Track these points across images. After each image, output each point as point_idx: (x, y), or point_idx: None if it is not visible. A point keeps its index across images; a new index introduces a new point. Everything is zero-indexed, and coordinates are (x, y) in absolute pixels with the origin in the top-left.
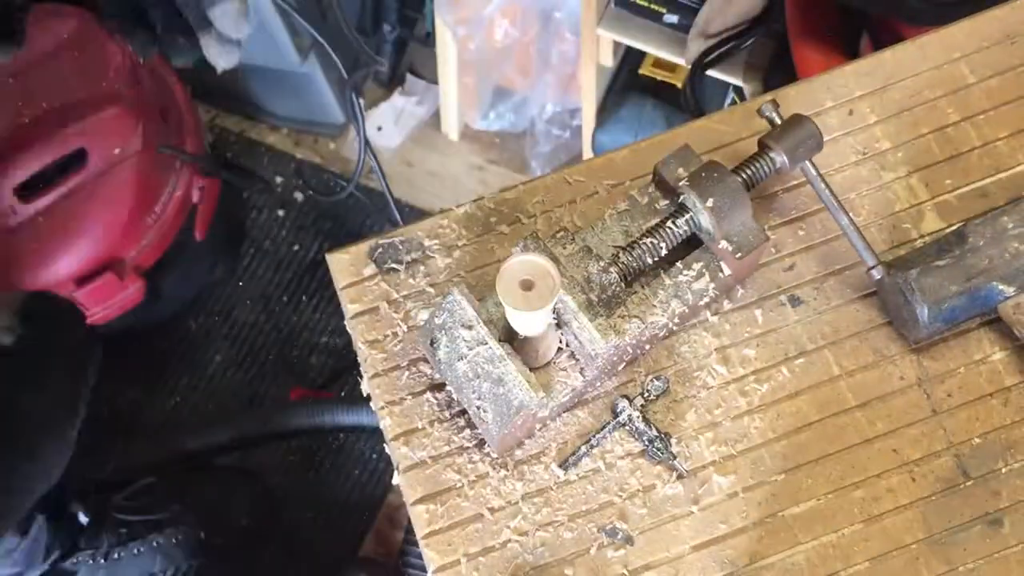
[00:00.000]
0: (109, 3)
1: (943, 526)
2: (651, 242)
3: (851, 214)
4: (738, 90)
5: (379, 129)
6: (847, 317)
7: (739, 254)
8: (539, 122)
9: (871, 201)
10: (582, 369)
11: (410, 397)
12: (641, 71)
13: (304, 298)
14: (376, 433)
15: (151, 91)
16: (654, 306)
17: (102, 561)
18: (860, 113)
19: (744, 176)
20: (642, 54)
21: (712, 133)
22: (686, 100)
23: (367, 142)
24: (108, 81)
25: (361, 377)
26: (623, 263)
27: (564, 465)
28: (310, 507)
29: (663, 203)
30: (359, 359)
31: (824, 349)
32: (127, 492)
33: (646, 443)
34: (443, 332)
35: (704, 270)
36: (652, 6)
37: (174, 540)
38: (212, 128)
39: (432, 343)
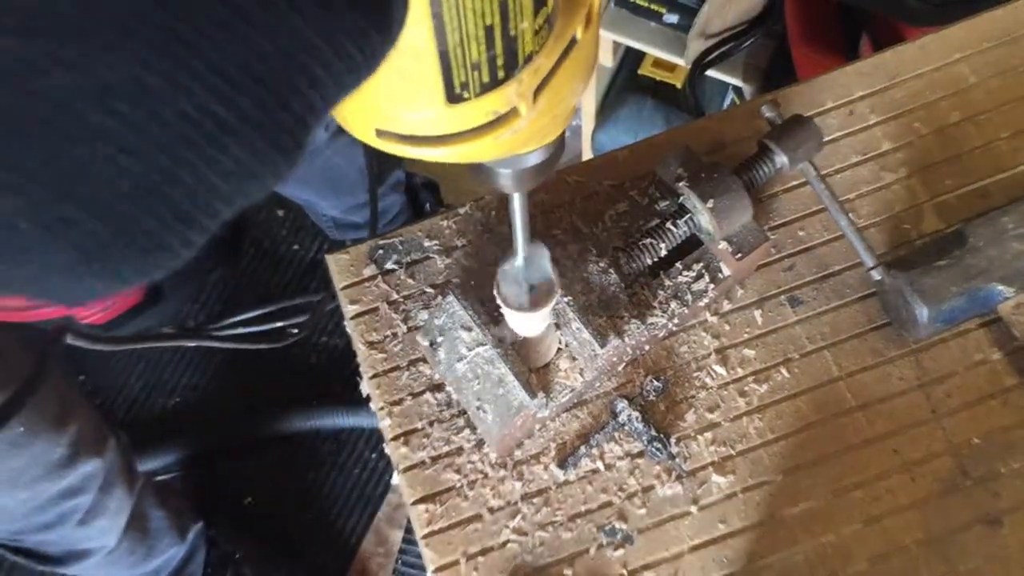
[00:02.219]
0: None
1: (942, 526)
2: (651, 243)
3: (851, 215)
4: (738, 90)
5: None
6: (847, 318)
7: (739, 255)
8: None
9: (871, 201)
10: (581, 370)
11: (410, 397)
12: (641, 71)
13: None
14: (376, 433)
15: None
16: (653, 307)
17: None
18: (860, 113)
19: (744, 177)
20: (642, 54)
21: (712, 133)
22: (686, 100)
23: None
24: None
25: (361, 377)
26: (622, 263)
27: (563, 465)
28: (310, 507)
29: (663, 203)
30: (359, 359)
31: (824, 350)
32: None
33: (645, 443)
34: (442, 333)
35: (704, 271)
36: (652, 6)
37: None
38: None
39: (432, 344)
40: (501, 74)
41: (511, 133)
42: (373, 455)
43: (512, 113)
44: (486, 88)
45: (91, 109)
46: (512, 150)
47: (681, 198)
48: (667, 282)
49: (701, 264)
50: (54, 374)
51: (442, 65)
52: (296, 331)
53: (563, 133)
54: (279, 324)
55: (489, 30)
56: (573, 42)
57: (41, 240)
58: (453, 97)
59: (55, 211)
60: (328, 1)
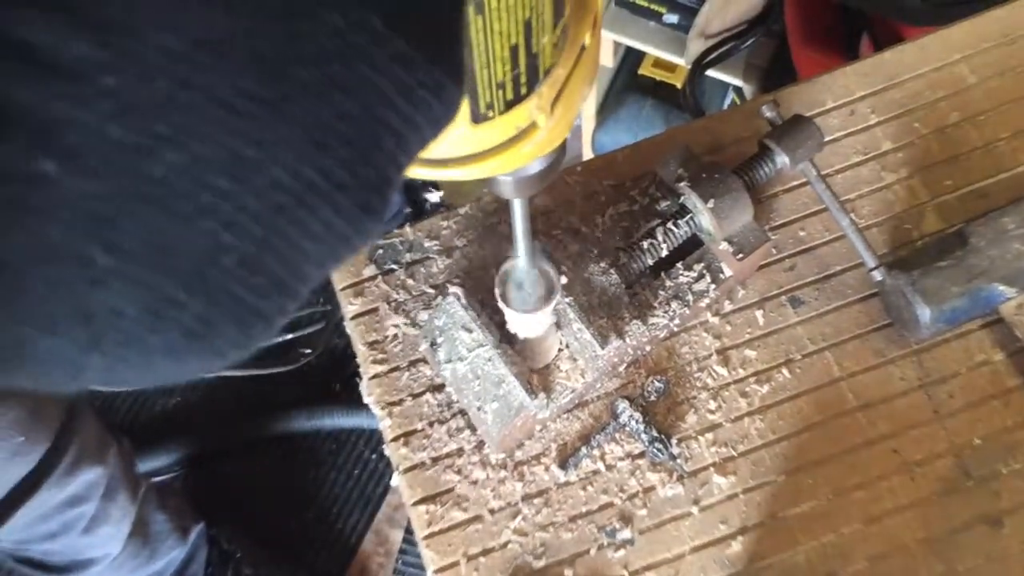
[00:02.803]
0: None
1: (943, 527)
2: (651, 243)
3: (852, 215)
4: (738, 90)
5: None
6: (848, 318)
7: (740, 255)
8: None
9: (872, 202)
10: (582, 370)
11: (410, 398)
12: (641, 71)
13: None
14: (376, 433)
15: None
16: (655, 307)
17: None
18: (861, 113)
19: (745, 177)
20: (642, 54)
21: (712, 133)
22: (686, 100)
23: None
24: None
25: (360, 378)
26: (623, 264)
27: (564, 466)
28: (310, 507)
29: (663, 204)
30: (359, 359)
31: (825, 350)
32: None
33: (646, 444)
34: (443, 333)
35: (705, 271)
36: (652, 6)
37: None
38: None
39: (432, 344)
40: (524, 90)
41: (531, 145)
42: (373, 455)
43: (532, 126)
44: (509, 105)
45: (191, 186)
46: (530, 160)
47: (682, 198)
48: (668, 282)
49: (702, 264)
50: (84, 415)
51: (468, 89)
52: (308, 351)
53: (564, 139)
54: (289, 336)
55: (514, 49)
56: (582, 49)
57: (148, 325)
58: (478, 117)
59: (161, 294)
60: (409, 59)
